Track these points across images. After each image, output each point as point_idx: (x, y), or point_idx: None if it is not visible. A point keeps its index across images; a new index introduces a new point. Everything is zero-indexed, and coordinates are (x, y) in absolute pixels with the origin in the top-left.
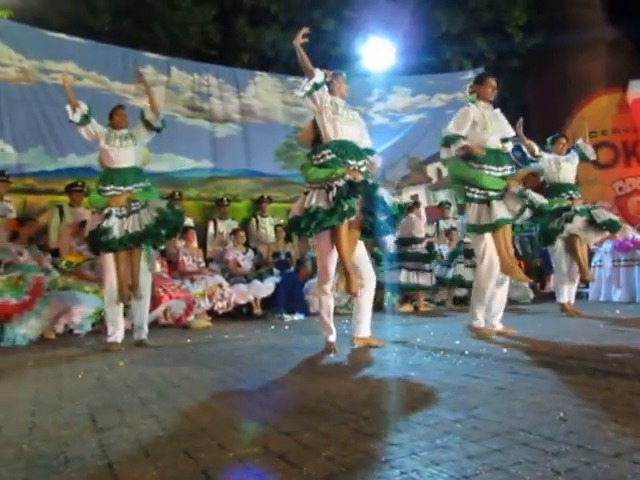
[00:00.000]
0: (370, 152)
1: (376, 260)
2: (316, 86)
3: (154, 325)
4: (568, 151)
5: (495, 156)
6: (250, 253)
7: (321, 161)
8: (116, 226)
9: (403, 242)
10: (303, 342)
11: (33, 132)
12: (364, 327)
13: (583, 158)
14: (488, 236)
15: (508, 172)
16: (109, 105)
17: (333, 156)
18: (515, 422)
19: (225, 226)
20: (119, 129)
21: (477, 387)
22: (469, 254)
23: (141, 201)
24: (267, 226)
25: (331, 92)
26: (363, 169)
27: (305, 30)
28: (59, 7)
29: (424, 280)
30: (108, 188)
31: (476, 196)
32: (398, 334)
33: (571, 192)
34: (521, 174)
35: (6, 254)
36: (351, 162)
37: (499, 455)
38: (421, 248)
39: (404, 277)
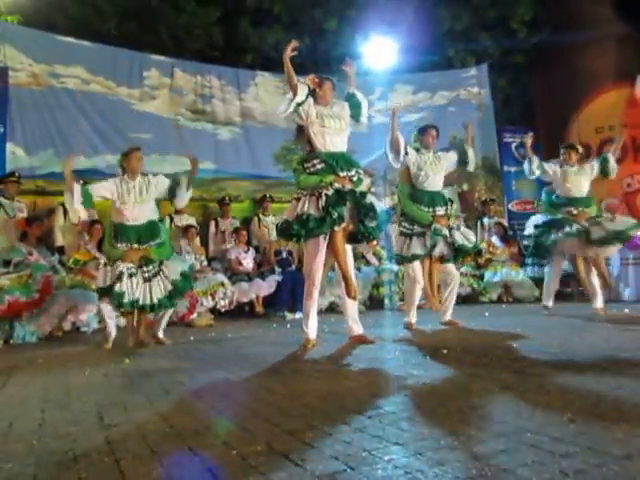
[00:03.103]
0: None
1: (379, 259)
2: (299, 104)
3: None
4: (586, 158)
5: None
6: (252, 252)
7: (312, 169)
8: (127, 288)
9: None
10: None
11: (43, 135)
12: (359, 325)
13: (603, 172)
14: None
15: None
16: (116, 109)
17: (323, 165)
18: (522, 422)
19: (227, 225)
20: (134, 176)
21: (482, 386)
22: None
23: (155, 263)
24: (269, 224)
25: (316, 100)
26: (354, 178)
27: (294, 44)
28: (67, 11)
29: None
30: (121, 245)
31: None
32: (400, 333)
33: (571, 208)
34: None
35: (17, 253)
36: (341, 172)
37: (505, 456)
38: None
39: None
